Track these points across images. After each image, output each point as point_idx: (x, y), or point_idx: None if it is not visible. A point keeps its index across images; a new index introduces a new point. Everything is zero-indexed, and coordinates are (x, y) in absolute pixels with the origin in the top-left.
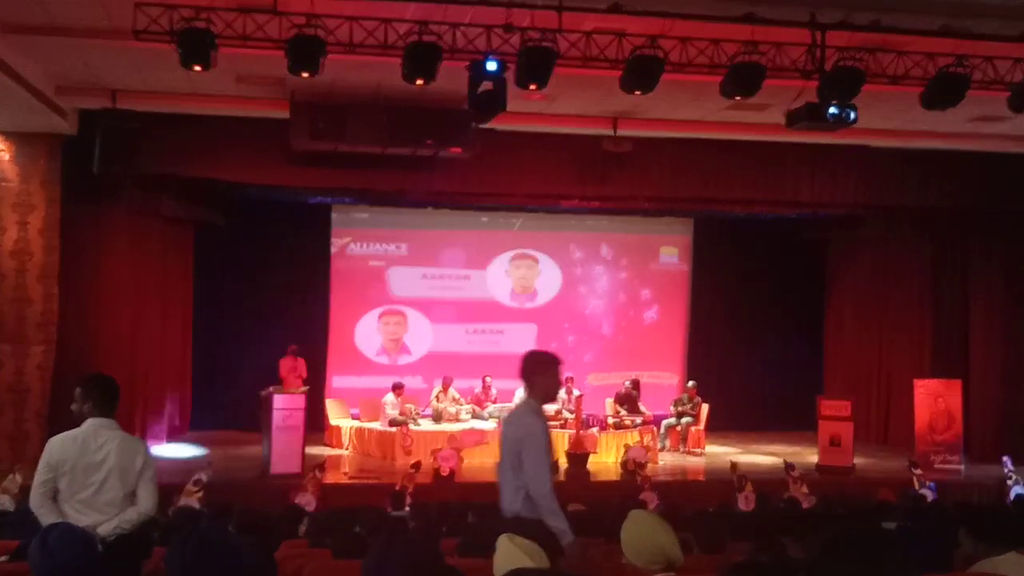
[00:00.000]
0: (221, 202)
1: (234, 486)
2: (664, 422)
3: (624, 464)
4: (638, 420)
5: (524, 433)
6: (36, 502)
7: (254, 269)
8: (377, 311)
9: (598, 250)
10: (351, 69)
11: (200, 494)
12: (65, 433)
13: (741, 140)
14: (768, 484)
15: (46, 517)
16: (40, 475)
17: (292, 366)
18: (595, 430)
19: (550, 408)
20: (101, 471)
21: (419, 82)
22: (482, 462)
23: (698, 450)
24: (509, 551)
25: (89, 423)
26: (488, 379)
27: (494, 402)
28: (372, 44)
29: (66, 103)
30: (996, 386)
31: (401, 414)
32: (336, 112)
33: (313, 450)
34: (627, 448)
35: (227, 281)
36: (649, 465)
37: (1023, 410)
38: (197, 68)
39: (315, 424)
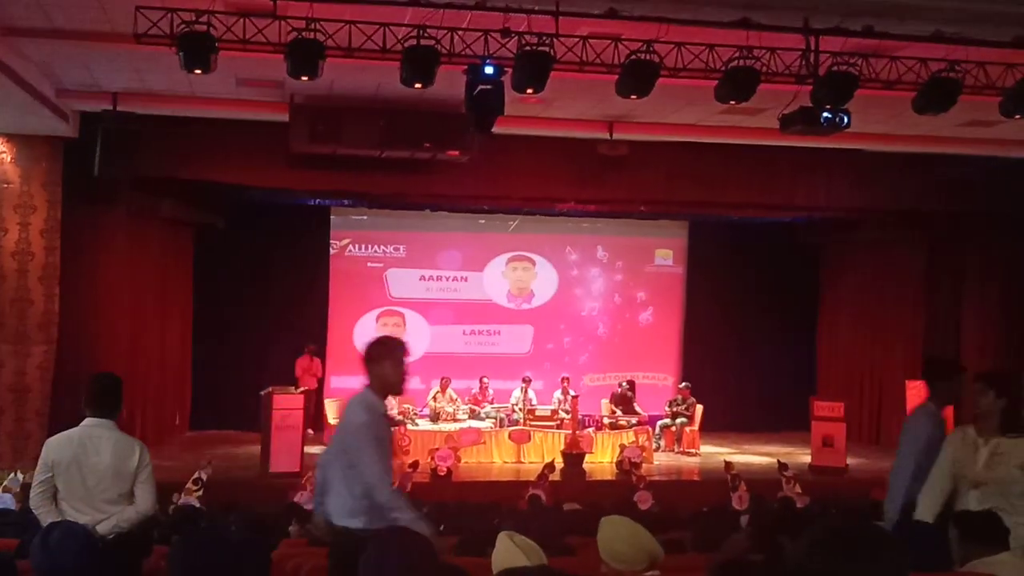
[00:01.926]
0: (221, 204)
1: (234, 485)
2: (659, 422)
3: (620, 464)
4: (633, 420)
5: (913, 436)
6: (36, 501)
7: (254, 270)
8: (375, 312)
9: (594, 252)
10: (350, 72)
11: (200, 492)
12: (62, 433)
13: (736, 144)
14: (762, 484)
15: (46, 516)
16: (38, 475)
17: (308, 366)
18: (591, 430)
19: (546, 408)
20: (97, 471)
21: (417, 86)
22: (479, 462)
23: (693, 450)
24: (507, 549)
25: (85, 423)
26: (485, 380)
27: (491, 402)
28: (371, 48)
29: (67, 106)
30: None
31: (399, 414)
32: (335, 115)
33: (313, 449)
34: (622, 448)
35: (227, 282)
36: (644, 465)
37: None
38: (197, 71)
39: (316, 424)
